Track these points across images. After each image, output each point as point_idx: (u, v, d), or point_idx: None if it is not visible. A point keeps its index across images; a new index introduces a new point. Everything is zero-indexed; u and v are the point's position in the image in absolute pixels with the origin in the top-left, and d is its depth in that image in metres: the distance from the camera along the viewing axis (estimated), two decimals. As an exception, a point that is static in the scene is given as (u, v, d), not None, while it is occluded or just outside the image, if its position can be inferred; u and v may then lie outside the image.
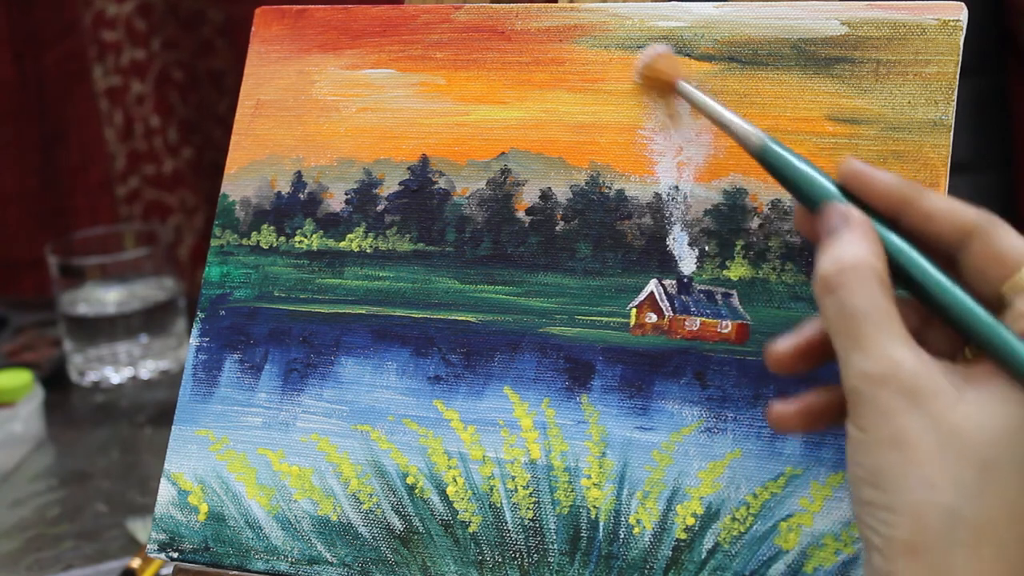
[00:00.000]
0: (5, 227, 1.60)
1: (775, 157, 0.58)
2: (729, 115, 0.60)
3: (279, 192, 0.71)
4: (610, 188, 0.66)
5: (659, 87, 0.65)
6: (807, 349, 0.55)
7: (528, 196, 0.67)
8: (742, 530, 0.60)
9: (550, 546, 0.62)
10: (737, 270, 0.63)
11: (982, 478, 0.49)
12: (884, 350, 0.51)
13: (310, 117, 0.72)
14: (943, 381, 0.50)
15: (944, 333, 0.54)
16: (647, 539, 0.61)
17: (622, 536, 0.62)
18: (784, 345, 0.56)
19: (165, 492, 0.69)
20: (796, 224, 0.58)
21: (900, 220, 0.55)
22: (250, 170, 0.72)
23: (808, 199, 0.57)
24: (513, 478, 0.64)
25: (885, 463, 0.50)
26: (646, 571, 0.61)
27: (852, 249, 0.53)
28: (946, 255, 0.54)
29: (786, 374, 0.57)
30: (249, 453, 0.68)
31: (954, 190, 0.61)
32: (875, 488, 0.50)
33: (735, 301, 0.63)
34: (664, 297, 0.64)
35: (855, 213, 0.54)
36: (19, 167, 1.58)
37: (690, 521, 0.61)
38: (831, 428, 0.56)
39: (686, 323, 0.63)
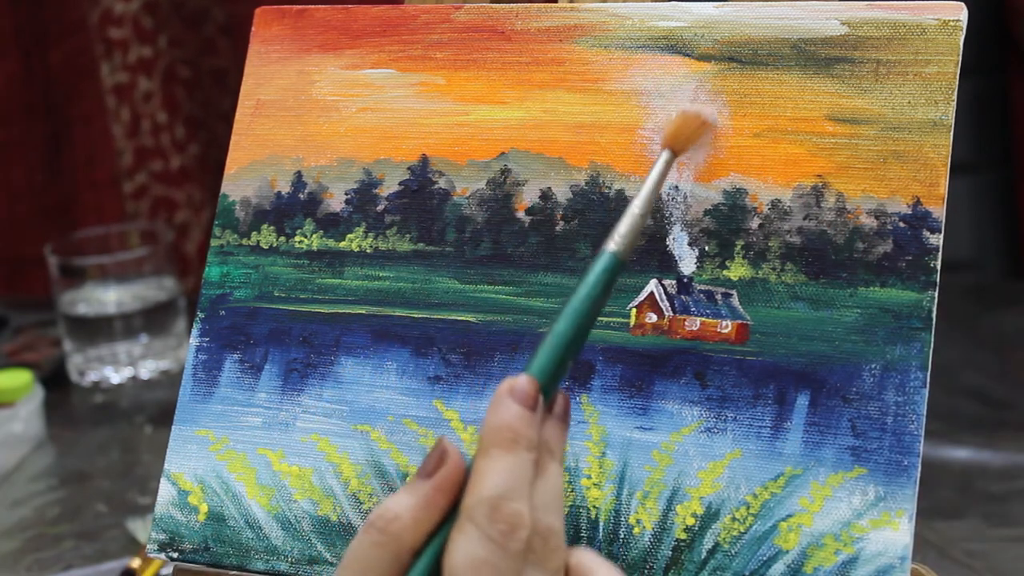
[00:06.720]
0: (15, 224, 1.60)
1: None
2: (636, 203, 0.60)
3: (279, 192, 0.71)
4: (610, 188, 0.66)
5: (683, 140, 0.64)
6: None
7: (528, 196, 0.67)
8: (742, 530, 0.60)
9: (550, 546, 0.62)
10: (737, 270, 0.63)
11: None
12: None
13: (310, 117, 0.72)
14: None
15: None
16: (647, 539, 0.61)
17: (622, 536, 0.61)
18: None
19: (165, 492, 0.69)
20: None
21: None
22: (250, 170, 0.72)
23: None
24: (513, 478, 0.64)
25: None
26: (646, 571, 0.61)
27: None
28: None
29: None
30: (249, 453, 0.68)
31: (954, 190, 0.61)
32: None
33: (735, 301, 0.63)
34: (664, 297, 0.64)
35: None
36: (27, 164, 1.58)
37: (690, 521, 0.61)
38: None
39: (686, 323, 0.63)
